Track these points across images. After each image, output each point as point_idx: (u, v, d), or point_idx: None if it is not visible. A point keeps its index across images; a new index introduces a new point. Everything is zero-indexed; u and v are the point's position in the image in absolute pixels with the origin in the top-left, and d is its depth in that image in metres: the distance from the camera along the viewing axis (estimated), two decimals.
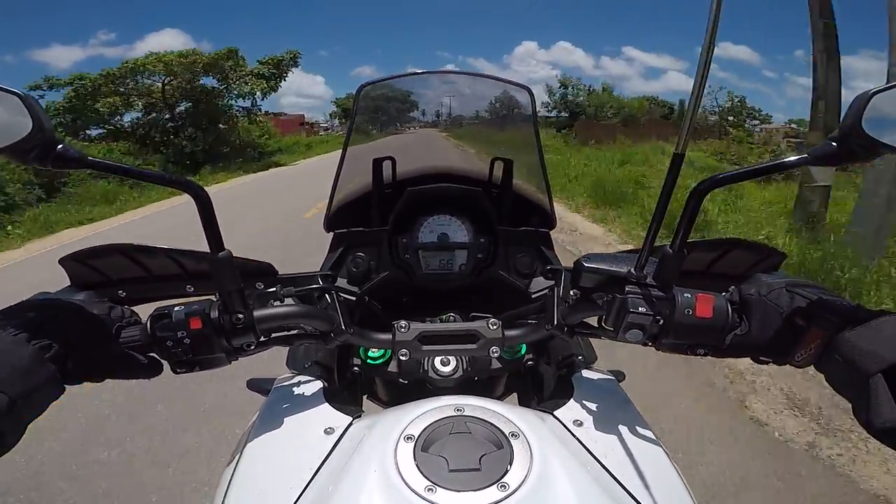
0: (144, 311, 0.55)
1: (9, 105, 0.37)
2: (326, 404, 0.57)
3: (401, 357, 0.59)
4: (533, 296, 0.79)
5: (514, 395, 0.82)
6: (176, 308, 0.48)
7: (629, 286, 0.48)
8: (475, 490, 0.39)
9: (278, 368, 0.73)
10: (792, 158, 0.43)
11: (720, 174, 0.45)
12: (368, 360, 0.74)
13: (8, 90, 0.37)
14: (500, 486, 0.39)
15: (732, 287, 0.54)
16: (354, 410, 0.56)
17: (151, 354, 0.50)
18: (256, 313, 0.49)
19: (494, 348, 0.59)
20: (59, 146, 0.39)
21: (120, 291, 0.60)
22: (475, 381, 0.74)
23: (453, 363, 0.70)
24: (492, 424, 0.45)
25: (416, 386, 0.73)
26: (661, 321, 0.48)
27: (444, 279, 0.81)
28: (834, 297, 0.49)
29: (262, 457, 0.51)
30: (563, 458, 0.43)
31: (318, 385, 0.61)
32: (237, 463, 0.51)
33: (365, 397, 0.81)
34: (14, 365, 0.40)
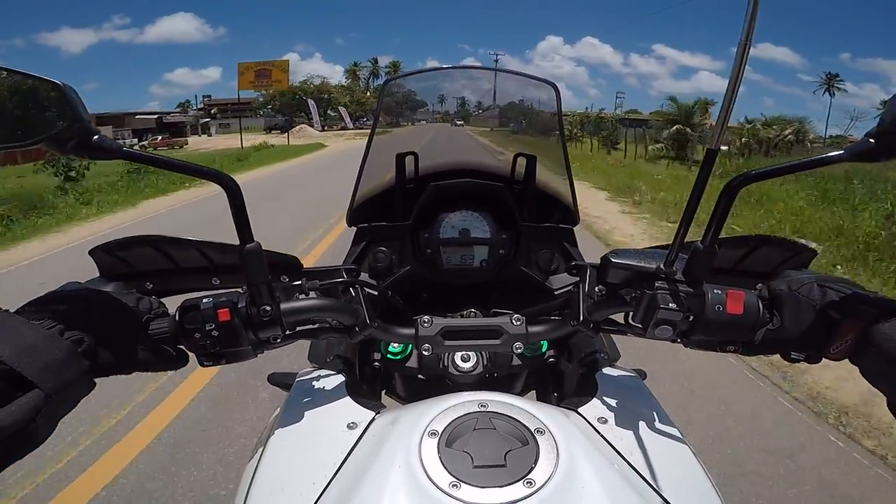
0: (170, 304, 0.54)
1: (49, 96, 0.38)
2: (349, 398, 0.57)
3: (423, 352, 0.59)
4: (555, 292, 0.78)
5: (533, 392, 0.82)
6: (204, 300, 0.48)
7: (658, 282, 0.47)
8: (500, 486, 0.38)
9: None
10: (828, 155, 0.43)
11: (753, 171, 0.44)
12: (388, 356, 0.74)
13: (48, 80, 0.38)
14: (526, 483, 0.39)
15: (761, 284, 0.53)
16: (376, 405, 0.56)
17: (179, 346, 0.50)
18: (283, 306, 0.49)
19: (518, 344, 0.59)
20: (96, 137, 0.39)
21: (147, 283, 0.61)
22: (495, 378, 0.73)
23: (474, 359, 0.69)
24: (517, 420, 0.45)
25: (435, 382, 0.73)
26: (691, 318, 0.47)
27: (466, 275, 0.81)
28: (867, 292, 0.48)
29: (285, 451, 0.51)
30: (590, 455, 0.43)
31: (339, 379, 0.61)
32: (261, 457, 0.51)
33: (383, 392, 0.81)
34: (49, 360, 0.38)
